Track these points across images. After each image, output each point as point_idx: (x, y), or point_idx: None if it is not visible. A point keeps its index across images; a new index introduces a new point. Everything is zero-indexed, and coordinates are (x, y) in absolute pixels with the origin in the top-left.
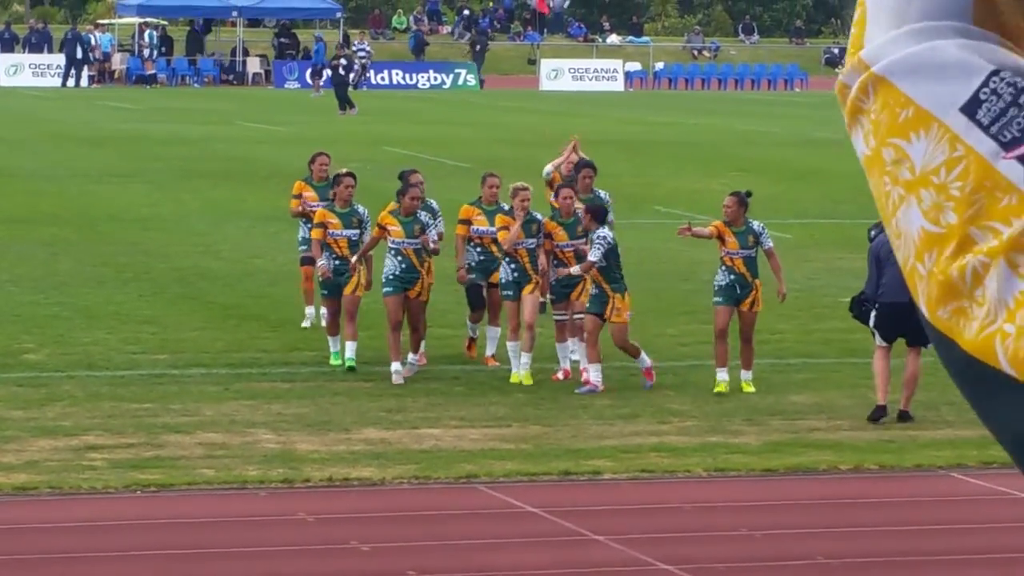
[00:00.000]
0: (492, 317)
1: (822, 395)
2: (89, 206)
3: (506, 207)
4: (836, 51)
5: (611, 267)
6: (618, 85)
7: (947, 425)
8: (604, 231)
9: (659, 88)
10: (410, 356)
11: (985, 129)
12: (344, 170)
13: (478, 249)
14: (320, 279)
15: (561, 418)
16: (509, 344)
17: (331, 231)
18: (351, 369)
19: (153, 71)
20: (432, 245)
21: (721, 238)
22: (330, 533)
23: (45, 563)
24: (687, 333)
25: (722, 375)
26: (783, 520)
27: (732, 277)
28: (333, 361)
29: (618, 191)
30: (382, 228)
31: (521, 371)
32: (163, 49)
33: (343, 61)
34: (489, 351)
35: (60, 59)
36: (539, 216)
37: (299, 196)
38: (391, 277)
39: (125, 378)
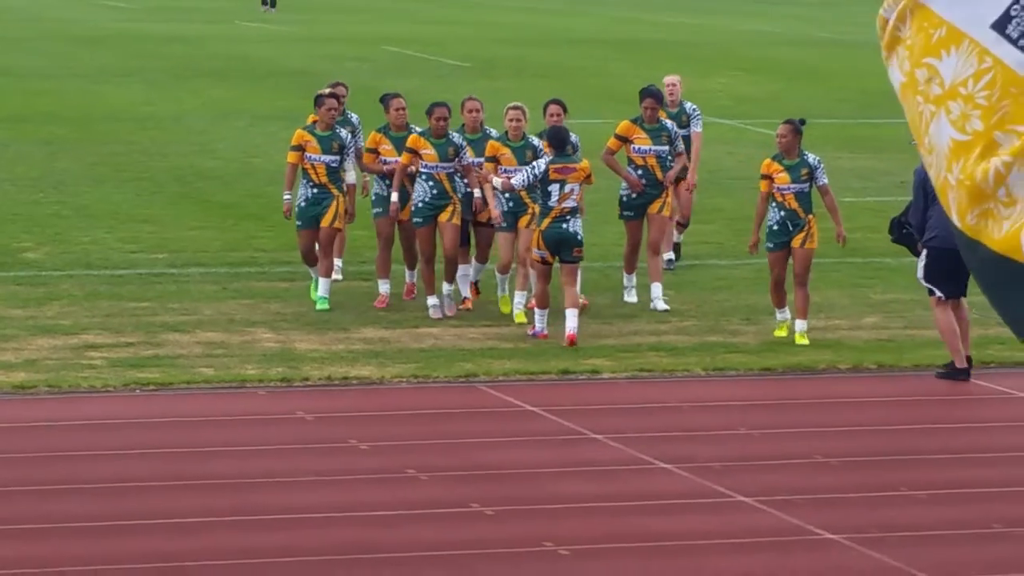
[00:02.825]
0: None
1: (821, 294)
2: (87, 105)
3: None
4: None
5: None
6: None
7: None
8: (538, 161)
9: None
10: (446, 287)
11: (1014, 42)
12: (327, 90)
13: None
14: (296, 210)
15: (559, 317)
16: (499, 276)
17: (309, 155)
18: (323, 310)
19: None
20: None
21: (768, 176)
22: (329, 432)
23: (44, 461)
24: (688, 232)
25: (781, 315)
26: (781, 419)
27: (783, 214)
28: (312, 294)
29: (616, 90)
30: (414, 152)
31: (515, 310)
32: None
33: None
34: (472, 278)
35: None
36: (534, 141)
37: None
38: (421, 205)
39: (123, 277)
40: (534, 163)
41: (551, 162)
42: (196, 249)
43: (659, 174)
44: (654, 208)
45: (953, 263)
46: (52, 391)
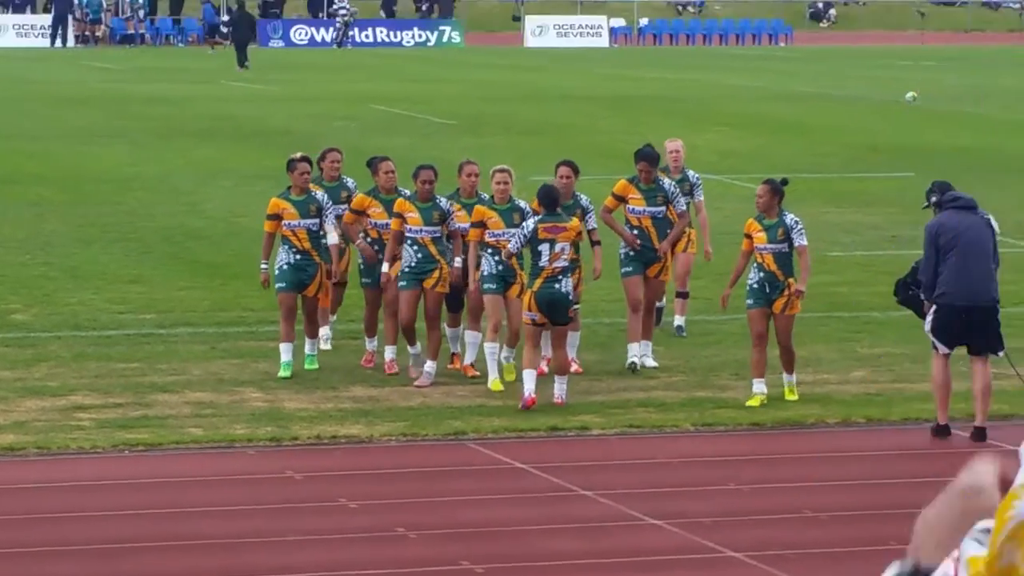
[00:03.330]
0: (471, 320)
1: (809, 348)
2: (74, 166)
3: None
4: (820, 5)
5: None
6: (603, 41)
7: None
8: (526, 222)
9: (644, 44)
10: (428, 363)
11: None
12: (298, 155)
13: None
14: (277, 272)
15: (549, 375)
16: (487, 346)
17: (287, 222)
18: (311, 369)
19: (143, 31)
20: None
21: (749, 235)
22: (318, 491)
23: (33, 523)
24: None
25: (758, 387)
26: (771, 474)
27: (762, 275)
28: (281, 373)
29: (604, 147)
30: (400, 217)
31: (502, 364)
32: (147, 9)
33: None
34: (469, 358)
35: (44, 19)
36: (522, 204)
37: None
38: (406, 270)
39: (112, 338)
40: (523, 223)
41: (540, 221)
42: (184, 309)
43: (654, 235)
44: (652, 271)
45: (960, 320)
46: (41, 452)
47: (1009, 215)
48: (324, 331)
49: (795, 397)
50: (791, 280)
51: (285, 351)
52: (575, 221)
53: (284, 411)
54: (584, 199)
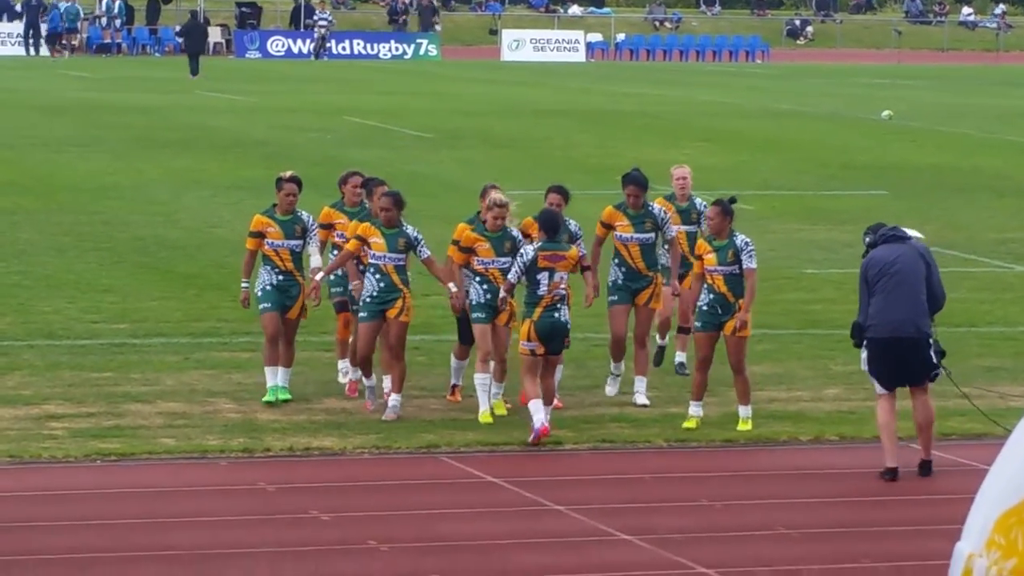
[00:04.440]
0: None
1: (782, 366)
2: (49, 175)
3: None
4: (797, 23)
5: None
6: (580, 56)
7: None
8: (524, 248)
9: (620, 59)
10: (393, 397)
11: None
12: (287, 174)
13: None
14: (259, 293)
15: (521, 389)
16: (477, 377)
17: (271, 241)
18: (285, 400)
19: (120, 40)
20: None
21: (699, 256)
22: (290, 503)
23: (4, 532)
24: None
25: (695, 409)
26: (743, 491)
27: (712, 297)
28: (268, 398)
29: (579, 162)
30: (361, 240)
31: (493, 400)
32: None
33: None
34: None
35: (18, 27)
36: (515, 231)
37: (329, 226)
38: (367, 300)
39: (86, 347)
40: (521, 251)
41: (540, 248)
42: (158, 319)
43: (641, 264)
44: (642, 299)
45: (891, 353)
46: (13, 461)
47: (983, 234)
48: (342, 364)
49: (749, 427)
50: (741, 302)
51: (271, 375)
52: (574, 250)
53: (257, 422)
54: (574, 224)
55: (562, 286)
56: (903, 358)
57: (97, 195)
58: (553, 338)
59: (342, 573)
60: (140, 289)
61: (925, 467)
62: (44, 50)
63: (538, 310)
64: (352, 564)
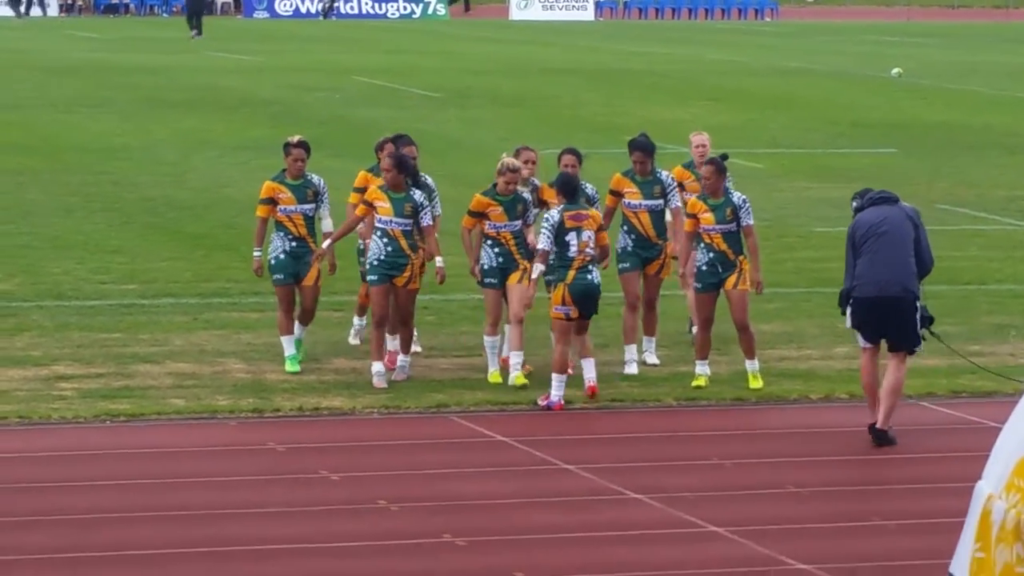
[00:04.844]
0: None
1: (792, 324)
2: (57, 136)
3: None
4: None
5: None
6: (588, 15)
7: (916, 355)
8: (549, 212)
9: (629, 18)
10: (400, 358)
11: None
12: (295, 139)
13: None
14: (273, 262)
15: (531, 347)
16: (487, 340)
17: (284, 207)
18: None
19: (127, 1)
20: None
21: (693, 215)
22: (300, 463)
23: (14, 492)
24: None
25: (701, 368)
26: (753, 449)
27: (711, 255)
28: (289, 368)
29: (587, 121)
30: (369, 205)
31: (513, 372)
32: None
33: None
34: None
35: None
36: (526, 195)
37: (362, 190)
38: (375, 263)
39: (95, 308)
40: (546, 215)
41: (564, 210)
42: (167, 280)
43: (651, 231)
44: (651, 269)
45: (875, 312)
46: (23, 422)
47: (993, 192)
48: (357, 322)
49: (759, 384)
50: (742, 258)
51: (288, 344)
52: (594, 210)
53: (266, 383)
54: (590, 188)
55: (591, 245)
56: (887, 317)
57: (105, 156)
58: (587, 301)
59: (352, 533)
60: (149, 250)
61: (880, 436)
62: (53, 10)
63: (571, 272)
64: (361, 524)
